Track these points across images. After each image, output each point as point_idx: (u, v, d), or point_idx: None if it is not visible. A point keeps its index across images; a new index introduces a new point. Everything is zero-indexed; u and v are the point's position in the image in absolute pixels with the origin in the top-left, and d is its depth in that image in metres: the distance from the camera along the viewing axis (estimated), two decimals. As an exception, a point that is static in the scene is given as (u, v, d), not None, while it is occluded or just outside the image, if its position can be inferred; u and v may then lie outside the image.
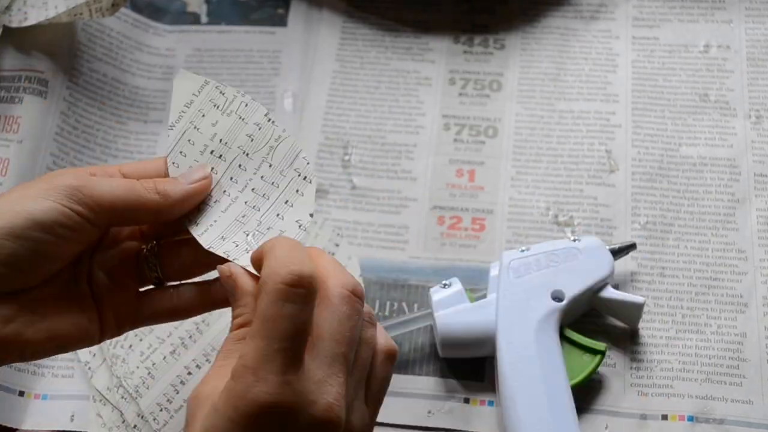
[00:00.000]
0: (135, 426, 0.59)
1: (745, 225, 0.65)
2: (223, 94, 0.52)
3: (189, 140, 0.51)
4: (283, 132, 0.51)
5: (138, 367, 0.60)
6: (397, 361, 0.61)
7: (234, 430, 0.40)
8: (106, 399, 0.60)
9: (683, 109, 0.71)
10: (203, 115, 0.52)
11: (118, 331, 0.51)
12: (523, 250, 0.60)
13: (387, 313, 0.64)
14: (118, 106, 0.73)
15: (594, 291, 0.60)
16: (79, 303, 0.49)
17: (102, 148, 0.71)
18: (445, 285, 0.60)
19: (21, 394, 0.61)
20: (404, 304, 0.64)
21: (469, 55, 0.75)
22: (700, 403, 0.59)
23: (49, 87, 0.70)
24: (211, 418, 0.40)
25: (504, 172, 0.69)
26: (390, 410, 0.60)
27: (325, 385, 0.41)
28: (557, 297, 0.58)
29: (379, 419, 0.60)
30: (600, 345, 0.58)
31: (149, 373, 0.60)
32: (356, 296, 0.44)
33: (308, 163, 0.51)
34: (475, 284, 0.64)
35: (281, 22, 0.78)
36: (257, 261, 0.44)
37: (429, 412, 0.60)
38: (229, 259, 0.48)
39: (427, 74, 0.75)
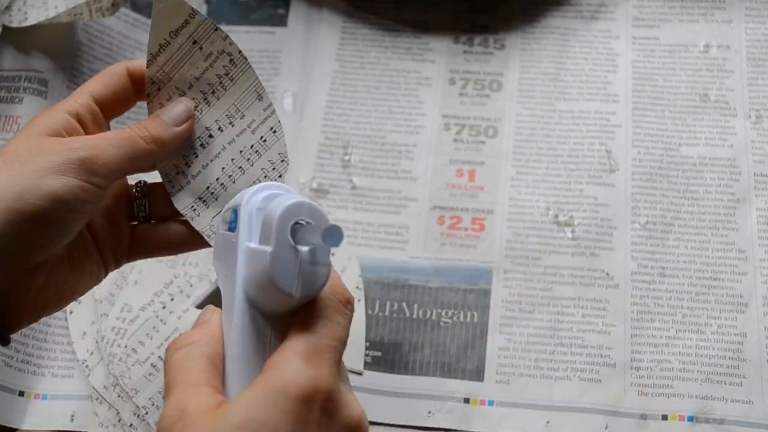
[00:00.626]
0: (131, 425, 0.59)
1: (745, 225, 0.65)
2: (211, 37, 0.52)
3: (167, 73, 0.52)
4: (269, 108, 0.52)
5: (134, 365, 0.60)
6: (396, 362, 0.62)
7: (285, 413, 0.39)
8: (103, 397, 0.60)
9: (683, 109, 0.71)
10: (187, 54, 0.52)
11: (117, 265, 0.53)
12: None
13: (387, 313, 0.64)
14: (118, 106, 0.73)
15: None
16: (87, 252, 0.51)
17: (102, 148, 0.71)
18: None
19: (21, 394, 0.61)
20: (404, 304, 0.64)
21: (469, 55, 0.75)
22: (700, 403, 0.59)
23: (49, 87, 0.70)
24: (253, 405, 0.39)
25: (504, 172, 0.69)
26: (390, 410, 0.60)
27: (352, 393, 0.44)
28: None
29: (379, 419, 0.60)
30: None
31: (148, 372, 0.60)
32: (350, 304, 0.45)
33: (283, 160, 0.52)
34: (475, 284, 0.64)
35: (281, 22, 0.78)
36: None
37: (429, 412, 0.60)
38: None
39: (427, 74, 0.75)
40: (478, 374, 0.61)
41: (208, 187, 0.52)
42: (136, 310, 0.63)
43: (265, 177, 0.52)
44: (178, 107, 0.52)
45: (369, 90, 0.74)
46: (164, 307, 0.63)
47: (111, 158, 0.48)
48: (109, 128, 0.53)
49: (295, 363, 0.40)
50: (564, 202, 0.68)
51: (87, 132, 0.50)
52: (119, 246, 0.53)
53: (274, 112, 0.52)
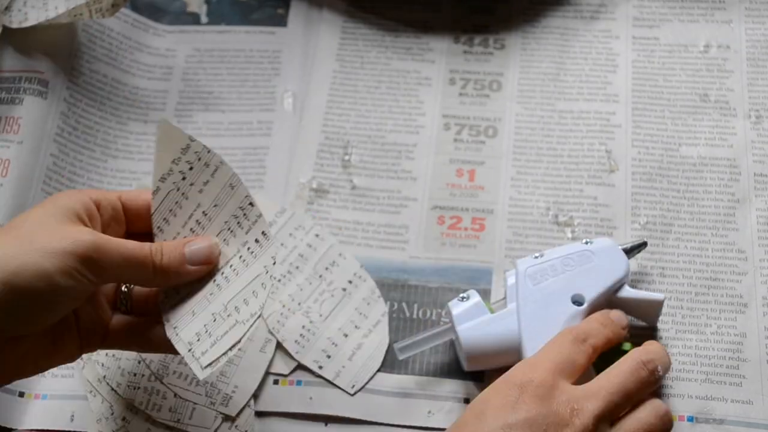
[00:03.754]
0: (124, 418, 0.59)
1: (745, 225, 0.65)
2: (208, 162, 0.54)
3: (176, 202, 0.55)
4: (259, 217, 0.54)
5: (119, 368, 0.61)
6: (397, 362, 0.62)
7: (499, 393, 0.52)
8: (97, 390, 0.60)
9: (683, 109, 0.71)
10: (190, 182, 0.54)
11: (91, 349, 0.55)
12: (536, 257, 0.60)
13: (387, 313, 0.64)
14: (118, 106, 0.73)
15: (612, 291, 0.59)
16: (69, 331, 0.53)
17: (102, 148, 0.71)
18: (463, 298, 0.60)
19: (21, 394, 0.61)
20: (404, 304, 0.64)
21: (469, 55, 0.75)
22: (700, 403, 0.59)
23: (49, 88, 0.70)
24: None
25: (504, 172, 0.69)
26: (390, 410, 0.60)
27: None
28: (577, 301, 0.58)
29: (378, 419, 0.60)
30: (626, 345, 0.58)
31: (133, 374, 0.60)
32: (583, 343, 0.55)
33: (274, 263, 0.53)
34: (475, 284, 0.64)
35: (281, 22, 0.78)
36: None
37: (429, 412, 0.60)
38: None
39: (427, 74, 0.75)
40: (477, 374, 0.61)
41: (204, 324, 0.53)
42: None
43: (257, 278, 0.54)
44: (203, 245, 0.54)
45: (369, 90, 0.74)
46: None
47: (113, 266, 0.50)
48: (125, 230, 0.55)
49: (519, 366, 0.53)
50: (564, 202, 0.68)
51: (103, 221, 0.53)
52: (97, 331, 0.54)
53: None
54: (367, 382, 0.61)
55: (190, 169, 0.54)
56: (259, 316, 0.51)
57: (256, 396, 0.60)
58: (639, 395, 0.53)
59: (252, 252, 0.53)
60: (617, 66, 0.73)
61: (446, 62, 0.75)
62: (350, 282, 0.64)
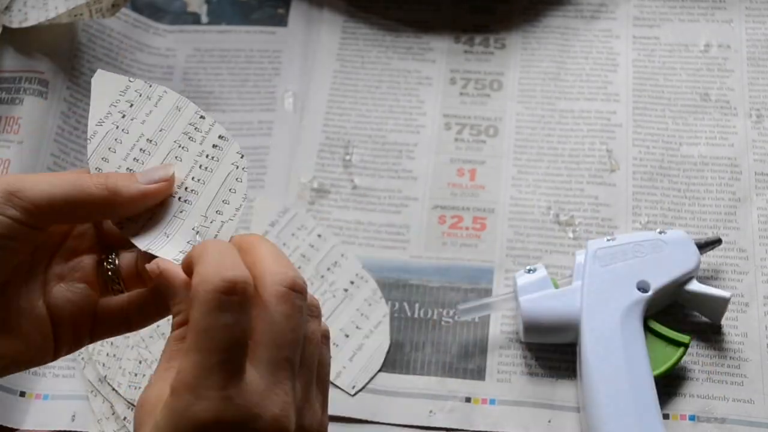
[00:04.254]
0: (125, 418, 0.59)
1: (746, 224, 0.65)
2: (150, 94, 0.49)
3: (115, 139, 0.48)
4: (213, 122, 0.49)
5: (120, 368, 0.61)
6: (398, 361, 0.62)
7: None
8: (98, 390, 0.60)
9: (684, 108, 0.71)
10: (131, 117, 0.48)
11: (77, 345, 0.47)
12: (608, 239, 0.60)
13: (388, 313, 0.64)
14: (118, 106, 0.73)
15: (679, 284, 0.60)
16: (32, 320, 0.45)
17: (102, 148, 0.71)
18: (529, 270, 0.60)
19: (22, 394, 0.61)
20: (405, 304, 0.64)
21: (470, 55, 0.75)
22: (701, 402, 0.59)
23: (49, 87, 0.70)
24: None
25: (505, 171, 0.69)
26: (391, 410, 0.60)
27: (269, 396, 0.39)
28: (643, 288, 0.58)
29: (380, 419, 0.60)
30: (684, 337, 0.58)
31: (134, 374, 0.60)
32: (295, 291, 0.40)
33: (242, 156, 0.48)
34: (477, 283, 0.64)
35: (282, 22, 0.78)
36: (187, 268, 0.41)
37: (430, 411, 0.60)
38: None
39: (427, 74, 0.75)
40: (479, 373, 0.61)
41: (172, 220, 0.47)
42: None
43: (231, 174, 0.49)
44: (158, 170, 0.46)
45: (370, 89, 0.74)
46: None
47: (40, 193, 0.43)
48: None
49: (183, 395, 0.39)
50: (565, 202, 0.68)
51: None
52: (83, 321, 0.47)
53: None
54: (367, 383, 0.61)
55: (131, 106, 0.48)
56: (242, 207, 0.47)
57: (257, 396, 0.60)
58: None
59: (213, 157, 0.48)
60: (618, 65, 0.73)
61: (447, 62, 0.75)
62: (352, 283, 0.64)
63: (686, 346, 0.58)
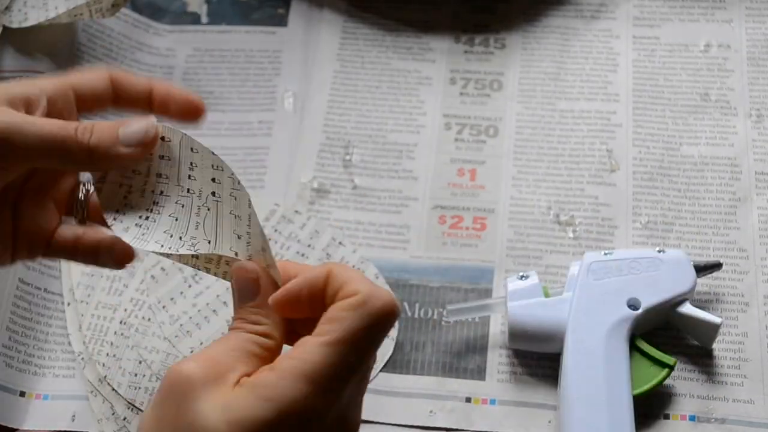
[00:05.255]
0: (125, 418, 0.59)
1: (746, 224, 0.65)
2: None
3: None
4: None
5: (120, 368, 0.61)
6: (398, 361, 0.62)
7: (264, 425, 0.39)
8: (98, 390, 0.60)
9: (684, 108, 0.71)
10: None
11: (30, 256, 0.50)
12: (606, 253, 0.60)
13: (396, 311, 0.64)
14: (118, 106, 0.73)
15: (671, 305, 0.59)
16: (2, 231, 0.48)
17: (102, 148, 0.71)
18: (522, 277, 0.60)
19: (22, 394, 0.61)
20: (406, 304, 0.64)
21: (470, 55, 0.75)
22: (701, 402, 0.59)
23: (49, 87, 0.70)
24: (234, 403, 0.39)
25: (505, 171, 0.69)
26: (391, 410, 0.60)
27: (355, 406, 0.43)
28: (633, 305, 0.58)
29: (380, 419, 0.60)
30: (669, 359, 0.57)
31: (134, 374, 0.60)
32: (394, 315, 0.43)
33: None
34: (477, 283, 0.64)
35: (282, 22, 0.78)
36: (319, 281, 0.43)
37: (430, 411, 0.60)
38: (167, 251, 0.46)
39: (427, 74, 0.75)
40: (479, 373, 0.61)
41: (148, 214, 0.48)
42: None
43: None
44: (141, 123, 0.46)
45: (370, 90, 0.74)
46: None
47: (26, 146, 0.44)
48: (77, 119, 0.49)
49: (305, 384, 0.40)
50: (565, 202, 0.68)
51: (51, 115, 0.47)
52: (38, 238, 0.50)
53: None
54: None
55: None
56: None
57: (257, 396, 0.60)
58: None
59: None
60: (618, 65, 0.73)
61: (447, 62, 0.75)
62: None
63: (671, 368, 0.57)
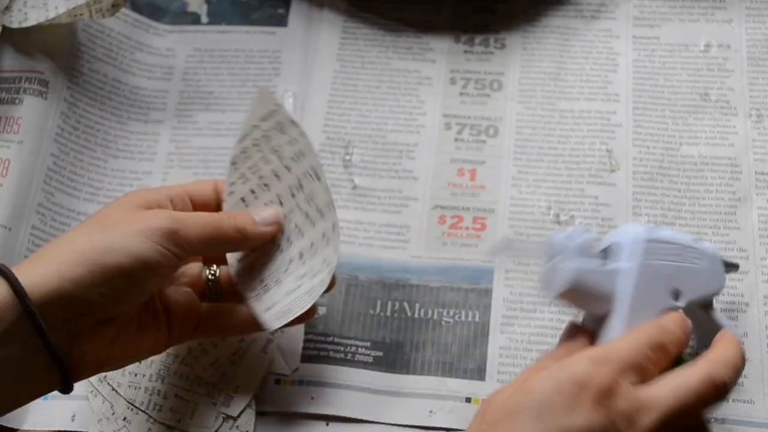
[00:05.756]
0: (125, 418, 0.59)
1: (746, 224, 0.65)
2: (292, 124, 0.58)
3: (250, 168, 0.59)
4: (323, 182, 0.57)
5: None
6: (398, 361, 0.62)
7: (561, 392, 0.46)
8: (98, 390, 0.60)
9: (684, 108, 0.71)
10: (265, 149, 0.59)
11: (180, 340, 0.57)
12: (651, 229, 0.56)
13: (388, 314, 0.64)
14: (118, 106, 0.73)
15: (704, 302, 0.57)
16: (156, 319, 0.55)
17: (102, 148, 0.71)
18: (582, 228, 0.58)
19: (22, 394, 0.61)
20: (406, 304, 0.64)
21: (470, 55, 0.75)
22: (701, 402, 0.59)
23: (49, 87, 0.70)
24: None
25: (505, 171, 0.69)
26: (391, 410, 0.60)
27: None
28: (676, 295, 0.55)
29: (380, 419, 0.60)
30: (685, 354, 0.54)
31: (134, 374, 0.60)
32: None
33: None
34: (477, 283, 0.64)
35: (282, 22, 0.78)
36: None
37: (430, 411, 0.60)
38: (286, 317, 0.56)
39: (427, 74, 0.75)
40: (479, 373, 0.61)
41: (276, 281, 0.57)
42: None
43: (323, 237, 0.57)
44: (268, 210, 0.58)
45: (370, 90, 0.74)
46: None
47: (194, 234, 0.53)
48: None
49: (582, 358, 0.48)
50: (565, 202, 0.68)
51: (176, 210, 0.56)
52: (188, 322, 0.57)
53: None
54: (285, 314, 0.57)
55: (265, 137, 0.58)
56: (331, 262, 0.56)
57: (257, 396, 0.60)
58: (701, 411, 0.50)
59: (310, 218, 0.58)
60: (618, 65, 0.73)
61: (447, 62, 0.75)
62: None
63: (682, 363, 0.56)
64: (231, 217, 0.56)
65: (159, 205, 0.54)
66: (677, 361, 0.52)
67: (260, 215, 0.57)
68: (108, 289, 0.49)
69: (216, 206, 0.59)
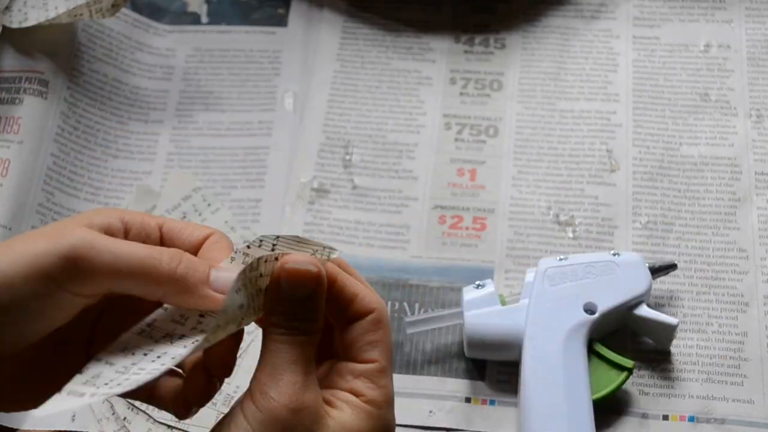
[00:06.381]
0: (125, 418, 0.59)
1: (746, 224, 0.65)
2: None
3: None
4: None
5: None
6: (398, 361, 0.62)
7: None
8: None
9: (684, 108, 0.71)
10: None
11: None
12: (560, 259, 0.60)
13: (388, 313, 0.64)
14: (118, 106, 0.73)
15: (628, 308, 0.59)
16: (74, 363, 0.42)
17: (102, 148, 0.71)
18: (478, 285, 0.60)
19: (22, 394, 0.61)
20: (405, 304, 0.64)
21: (470, 55, 0.75)
22: (701, 403, 0.59)
23: (49, 87, 0.70)
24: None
25: (505, 171, 0.69)
26: (391, 410, 0.60)
27: None
28: (589, 309, 0.58)
29: (380, 419, 0.60)
30: (628, 362, 0.57)
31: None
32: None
33: None
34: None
35: (282, 22, 0.78)
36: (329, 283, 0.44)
37: (430, 411, 0.60)
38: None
39: (427, 74, 0.75)
40: (479, 373, 0.61)
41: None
42: None
43: None
44: (227, 274, 0.42)
45: (370, 90, 0.74)
46: None
47: (104, 268, 0.40)
48: None
49: (391, 411, 0.46)
50: (565, 202, 0.68)
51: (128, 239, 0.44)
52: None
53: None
54: None
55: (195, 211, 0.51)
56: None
57: (257, 396, 0.60)
58: None
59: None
60: (618, 65, 0.73)
61: (447, 62, 0.75)
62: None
63: (630, 371, 0.57)
64: (176, 260, 0.41)
65: (104, 227, 0.42)
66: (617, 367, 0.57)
67: (220, 275, 0.42)
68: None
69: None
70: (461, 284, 0.64)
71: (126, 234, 0.43)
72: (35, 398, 0.40)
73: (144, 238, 0.44)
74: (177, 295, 0.42)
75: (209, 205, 0.68)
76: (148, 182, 0.70)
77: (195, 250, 0.44)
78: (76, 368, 0.41)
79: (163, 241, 0.44)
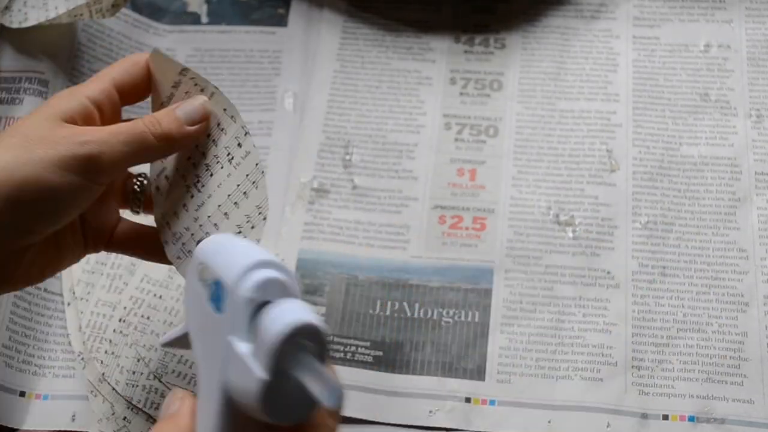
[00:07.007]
0: (125, 418, 0.59)
1: (746, 224, 0.65)
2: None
3: None
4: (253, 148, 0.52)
5: (118, 365, 0.61)
6: (398, 361, 0.62)
7: None
8: (98, 390, 0.60)
9: (684, 108, 0.71)
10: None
11: (95, 250, 0.55)
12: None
13: (388, 313, 0.64)
14: (118, 106, 0.73)
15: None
16: (74, 234, 0.53)
17: (102, 148, 0.71)
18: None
19: (22, 394, 0.61)
20: (405, 304, 0.64)
21: (470, 55, 0.75)
22: (701, 402, 0.59)
23: (49, 88, 0.70)
24: None
25: (505, 171, 0.69)
26: (391, 410, 0.60)
27: None
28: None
29: (380, 419, 0.60)
30: None
31: (132, 372, 0.60)
32: None
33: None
34: (476, 283, 0.64)
35: (282, 22, 0.78)
36: None
37: (430, 411, 0.60)
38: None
39: (427, 74, 0.75)
40: (479, 373, 0.61)
41: (193, 235, 0.52)
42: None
43: (248, 222, 0.51)
44: (195, 103, 0.51)
45: (370, 89, 0.74)
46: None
47: (118, 155, 0.48)
48: (121, 116, 0.53)
49: None
50: (565, 202, 0.68)
51: (103, 119, 0.51)
52: (102, 232, 0.54)
53: (255, 148, 0.52)
54: None
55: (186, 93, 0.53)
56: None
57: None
58: None
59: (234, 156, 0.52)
60: (618, 65, 0.73)
61: (447, 62, 0.75)
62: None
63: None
64: (155, 123, 0.50)
65: (81, 116, 0.50)
66: None
67: (185, 111, 0.51)
68: (21, 224, 0.47)
69: (148, 85, 0.53)
70: (461, 284, 0.65)
71: (101, 113, 0.51)
72: (41, 276, 0.51)
73: (110, 107, 0.51)
74: (168, 151, 0.51)
75: None
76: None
77: (147, 79, 0.53)
78: (77, 247, 0.53)
79: (120, 92, 0.52)
